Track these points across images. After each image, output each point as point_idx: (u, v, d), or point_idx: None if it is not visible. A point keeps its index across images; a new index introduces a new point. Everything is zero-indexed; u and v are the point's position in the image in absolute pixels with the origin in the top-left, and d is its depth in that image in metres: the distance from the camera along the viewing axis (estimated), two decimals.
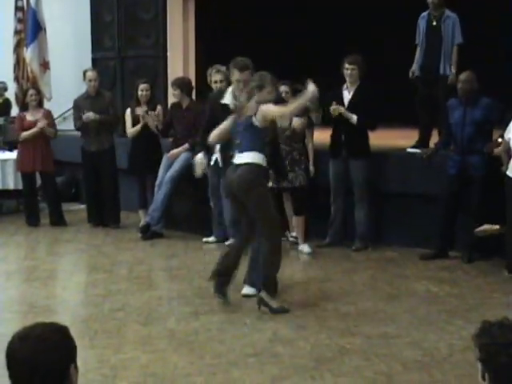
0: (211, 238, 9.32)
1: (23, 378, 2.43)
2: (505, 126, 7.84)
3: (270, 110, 6.62)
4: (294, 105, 6.83)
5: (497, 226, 7.84)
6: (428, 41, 9.27)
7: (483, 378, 2.45)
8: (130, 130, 9.99)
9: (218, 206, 9.11)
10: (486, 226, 7.86)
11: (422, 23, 9.32)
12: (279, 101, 7.17)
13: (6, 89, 13.20)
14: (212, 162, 9.09)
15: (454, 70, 9.06)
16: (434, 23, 9.20)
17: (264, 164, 6.65)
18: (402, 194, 8.89)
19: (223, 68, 9.01)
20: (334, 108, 8.63)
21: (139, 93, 9.87)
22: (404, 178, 8.87)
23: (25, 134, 10.32)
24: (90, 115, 9.95)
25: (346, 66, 8.70)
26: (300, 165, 8.83)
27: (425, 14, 9.30)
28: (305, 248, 8.88)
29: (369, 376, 5.16)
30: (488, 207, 7.95)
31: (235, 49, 12.44)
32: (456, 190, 8.24)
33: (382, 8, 12.72)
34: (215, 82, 8.99)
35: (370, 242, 8.93)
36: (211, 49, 11.50)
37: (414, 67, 9.41)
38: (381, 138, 9.98)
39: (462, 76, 8.23)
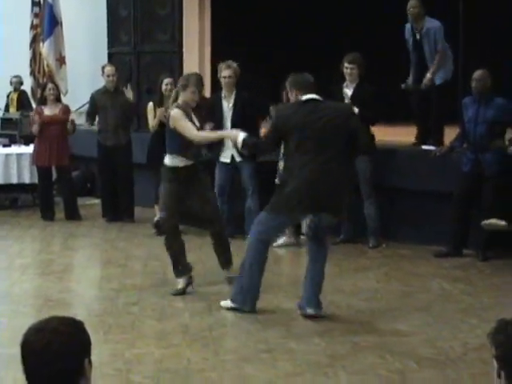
0: None
1: (37, 371, 2.42)
2: None
3: (179, 123, 6.86)
4: (209, 135, 7.21)
5: (504, 222, 7.86)
6: (414, 55, 9.26)
7: (499, 375, 2.44)
8: (153, 124, 9.92)
9: (226, 203, 9.14)
10: (492, 220, 7.88)
11: (407, 36, 9.27)
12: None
13: (21, 83, 13.25)
14: (224, 159, 9.12)
15: (429, 75, 8.97)
16: (418, 37, 9.10)
17: (172, 165, 6.98)
18: (417, 191, 8.87)
19: (234, 64, 9.02)
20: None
21: (163, 87, 9.82)
22: (418, 176, 8.85)
23: (35, 128, 10.38)
24: None
25: (346, 65, 8.75)
26: None
27: (408, 26, 9.22)
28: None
29: (382, 373, 5.16)
30: (502, 205, 7.93)
31: (251, 45, 12.53)
32: (470, 188, 8.23)
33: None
34: (224, 77, 9.00)
35: (383, 239, 8.92)
36: (227, 45, 11.49)
37: (409, 79, 9.40)
38: (394, 135, 9.99)
39: (476, 74, 8.20)
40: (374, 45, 11.41)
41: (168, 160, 7.06)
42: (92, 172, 12.15)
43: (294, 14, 13.12)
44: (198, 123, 7.08)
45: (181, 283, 7.05)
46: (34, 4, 13.21)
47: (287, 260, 8.86)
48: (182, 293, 6.99)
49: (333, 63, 9.05)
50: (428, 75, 8.97)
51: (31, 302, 7.04)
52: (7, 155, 11.18)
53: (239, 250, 8.78)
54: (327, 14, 12.96)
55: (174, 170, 7.02)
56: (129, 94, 10.38)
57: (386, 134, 9.76)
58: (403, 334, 5.95)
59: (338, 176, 6.13)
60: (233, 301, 6.44)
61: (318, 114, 6.15)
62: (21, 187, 11.44)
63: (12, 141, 12.15)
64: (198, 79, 7.25)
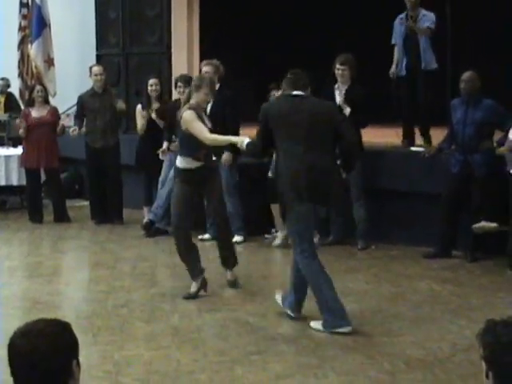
0: (206, 236, 9.31)
1: (25, 373, 2.43)
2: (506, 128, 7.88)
3: (192, 125, 6.80)
4: (219, 138, 6.96)
5: (494, 224, 7.88)
6: (407, 41, 9.34)
7: (487, 376, 2.45)
8: (140, 126, 9.92)
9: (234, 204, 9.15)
10: (483, 223, 7.91)
11: (399, 24, 9.35)
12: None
13: (8, 85, 13.21)
14: None
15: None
16: (411, 22, 9.21)
17: (184, 167, 6.94)
18: (405, 192, 8.89)
19: (216, 61, 9.02)
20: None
21: (149, 88, 9.84)
22: (407, 177, 8.88)
23: (21, 131, 10.36)
24: None
25: (337, 66, 8.76)
26: None
27: (402, 15, 9.37)
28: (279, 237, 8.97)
29: (372, 375, 5.16)
30: (491, 206, 7.96)
31: (239, 46, 12.54)
32: (458, 189, 8.25)
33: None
34: (205, 73, 8.97)
35: (372, 241, 8.94)
36: (215, 46, 11.49)
37: (395, 68, 9.45)
38: (380, 136, 10.01)
39: (465, 76, 8.23)
40: (368, 46, 11.45)
41: (180, 162, 7.03)
42: (80, 174, 12.13)
43: (284, 14, 13.15)
44: (209, 124, 7.04)
45: (193, 286, 7.02)
46: (22, 5, 13.18)
47: (274, 261, 8.85)
48: (193, 297, 6.94)
49: (325, 64, 9.05)
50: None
51: (19, 305, 7.01)
52: None
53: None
54: (319, 15, 12.99)
55: (186, 171, 6.99)
56: (121, 105, 10.33)
57: (374, 136, 9.79)
58: (392, 334, 5.96)
59: (324, 166, 6.05)
60: (332, 327, 6.07)
61: (302, 106, 6.13)
62: (9, 189, 11.41)
63: (0, 143, 12.11)
64: (212, 82, 7.23)
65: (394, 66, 9.53)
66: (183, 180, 7.01)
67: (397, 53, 9.48)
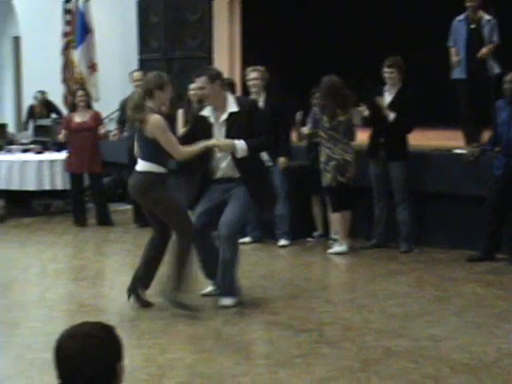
0: (247, 239, 9.33)
1: (71, 375, 2.45)
2: None
3: (165, 136, 6.38)
4: (190, 150, 6.58)
5: None
6: (469, 44, 9.19)
7: None
8: (182, 130, 9.95)
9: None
10: None
11: (459, 26, 9.24)
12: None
13: (45, 98, 13.55)
14: None
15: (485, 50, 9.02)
16: (473, 26, 9.11)
17: (157, 171, 6.50)
18: (449, 195, 8.83)
19: (260, 67, 9.02)
20: (360, 109, 8.68)
21: (190, 92, 9.87)
22: (451, 180, 8.80)
23: (61, 136, 10.49)
24: None
25: (385, 69, 8.71)
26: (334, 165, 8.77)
27: (461, 17, 9.23)
28: (336, 247, 8.88)
29: (416, 379, 5.12)
30: None
31: (280, 51, 12.54)
32: (502, 191, 8.16)
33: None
34: (250, 80, 9.00)
35: (415, 244, 8.88)
36: (256, 50, 11.51)
37: (456, 70, 9.33)
38: (424, 139, 9.94)
39: (509, 76, 8.14)
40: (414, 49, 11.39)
41: (149, 167, 6.54)
42: (123, 178, 12.20)
43: (325, 17, 13.11)
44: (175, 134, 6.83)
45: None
46: (66, 12, 13.33)
47: (317, 265, 8.83)
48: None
49: (365, 67, 9.02)
50: (483, 50, 9.01)
51: (64, 308, 7.09)
52: (40, 162, 11.29)
53: (268, 256, 8.84)
54: (360, 17, 12.94)
55: (160, 175, 6.58)
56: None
57: (419, 139, 9.71)
58: (436, 338, 5.91)
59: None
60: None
61: None
62: (53, 193, 11.54)
63: (45, 147, 12.27)
64: (171, 77, 7.19)
65: (455, 69, 9.34)
66: (163, 184, 6.60)
67: (455, 55, 9.33)
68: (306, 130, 9.19)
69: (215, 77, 6.64)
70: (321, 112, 8.86)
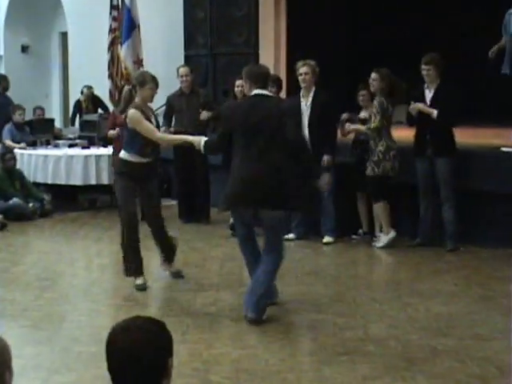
0: (291, 235, 9.31)
1: (122, 368, 2.46)
2: None
3: (140, 125, 6.97)
4: (168, 137, 7.75)
5: None
6: None
7: None
8: None
9: None
10: None
11: (508, 20, 9.14)
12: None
13: (92, 93, 13.68)
14: None
15: None
16: None
17: (127, 158, 7.11)
18: (495, 193, 8.72)
19: (311, 62, 8.99)
20: (412, 107, 8.59)
21: (236, 89, 9.91)
22: (497, 178, 8.69)
23: (110, 132, 10.54)
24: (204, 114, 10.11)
25: (423, 66, 8.66)
26: (373, 156, 8.74)
27: None
28: (382, 238, 8.87)
29: (462, 379, 5.08)
30: None
31: (326, 46, 12.49)
32: None
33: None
34: (300, 74, 8.98)
35: (461, 242, 8.79)
36: (302, 46, 11.48)
37: (505, 65, 9.23)
38: (472, 137, 9.83)
39: None
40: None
41: (124, 155, 7.20)
42: (169, 173, 12.27)
43: (372, 12, 13.04)
44: (155, 122, 7.29)
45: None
46: (112, 8, 13.41)
47: (362, 262, 8.79)
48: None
49: (416, 64, 8.94)
50: None
51: (110, 302, 7.15)
52: (86, 157, 11.39)
53: (313, 253, 8.82)
54: (410, 11, 12.83)
55: (127, 163, 7.16)
56: (204, 116, 10.34)
57: (465, 136, 9.61)
58: (483, 338, 5.86)
59: (271, 171, 6.08)
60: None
61: (256, 111, 6.16)
62: (99, 188, 11.63)
63: (91, 143, 12.37)
64: (154, 76, 7.31)
65: (495, 47, 9.28)
66: (124, 172, 7.16)
67: (506, 44, 9.22)
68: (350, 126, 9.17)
69: None
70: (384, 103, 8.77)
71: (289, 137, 6.14)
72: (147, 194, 7.43)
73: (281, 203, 6.15)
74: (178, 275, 7.71)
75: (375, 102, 8.77)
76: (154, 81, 7.24)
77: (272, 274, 6.35)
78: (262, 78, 6.36)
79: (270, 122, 6.12)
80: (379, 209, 8.86)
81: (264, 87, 6.32)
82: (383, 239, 8.85)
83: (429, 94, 8.71)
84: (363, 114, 9.15)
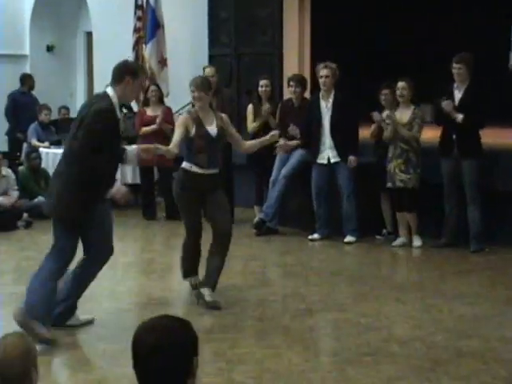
0: (316, 235, 9.30)
1: (148, 366, 2.47)
2: None
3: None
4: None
5: None
6: None
7: None
8: (251, 126, 10.01)
9: (323, 205, 9.18)
10: None
11: None
12: None
13: None
14: (321, 161, 9.13)
15: None
16: None
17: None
18: None
19: (332, 64, 8.99)
20: (447, 103, 8.52)
21: (260, 89, 9.92)
22: None
23: (145, 129, 10.59)
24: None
25: (454, 65, 8.61)
26: (416, 167, 8.75)
27: None
28: (416, 242, 8.85)
29: (487, 381, 5.05)
30: None
31: (350, 47, 12.45)
32: None
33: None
34: (321, 77, 8.99)
35: (486, 243, 8.74)
36: (326, 46, 11.46)
37: None
38: (498, 138, 9.77)
39: None
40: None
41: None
42: None
43: (395, 14, 12.98)
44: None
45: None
46: (137, 7, 13.46)
47: (385, 262, 8.77)
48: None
49: (436, 64, 8.92)
50: None
51: (134, 301, 7.17)
52: None
53: (337, 253, 8.81)
54: (432, 12, 12.76)
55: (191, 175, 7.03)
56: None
57: (491, 137, 9.54)
58: (508, 340, 5.82)
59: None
60: None
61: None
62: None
63: None
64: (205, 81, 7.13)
65: None
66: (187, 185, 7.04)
67: None
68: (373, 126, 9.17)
69: None
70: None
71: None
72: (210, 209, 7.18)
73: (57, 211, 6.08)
74: (213, 306, 6.70)
75: (416, 111, 8.83)
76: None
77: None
78: None
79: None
80: (412, 218, 8.89)
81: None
82: (416, 242, 8.91)
83: (458, 95, 8.65)
84: (385, 114, 9.12)
